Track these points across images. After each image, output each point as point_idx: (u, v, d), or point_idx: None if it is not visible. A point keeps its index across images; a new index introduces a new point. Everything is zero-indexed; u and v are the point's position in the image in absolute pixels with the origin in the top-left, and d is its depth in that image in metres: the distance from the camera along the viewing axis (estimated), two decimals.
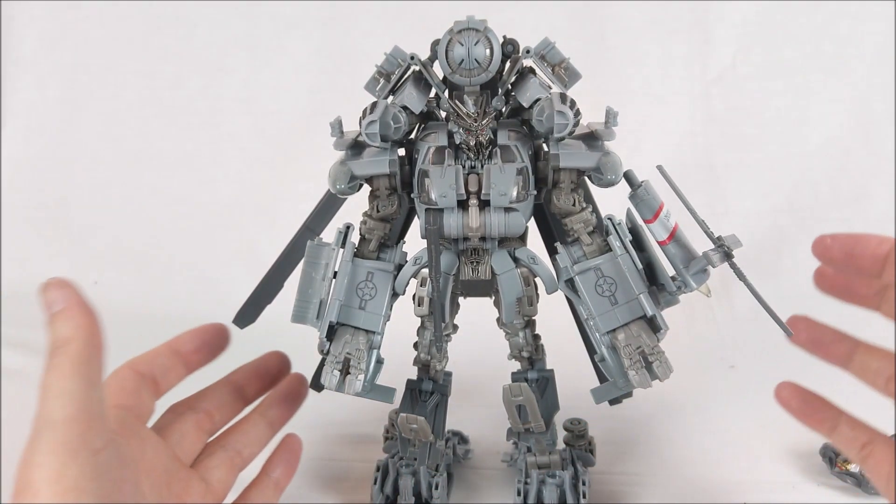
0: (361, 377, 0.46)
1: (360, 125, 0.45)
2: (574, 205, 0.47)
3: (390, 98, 0.46)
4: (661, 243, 0.47)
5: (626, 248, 0.46)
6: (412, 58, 0.46)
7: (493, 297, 0.53)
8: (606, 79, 1.11)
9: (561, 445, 0.59)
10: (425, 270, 0.47)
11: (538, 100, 0.46)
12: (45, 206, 1.22)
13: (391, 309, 0.49)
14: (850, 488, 0.64)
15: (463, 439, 0.67)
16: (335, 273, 0.48)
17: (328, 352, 0.47)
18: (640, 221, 0.48)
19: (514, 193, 0.44)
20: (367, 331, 0.47)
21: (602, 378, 0.53)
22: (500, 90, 0.46)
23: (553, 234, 0.53)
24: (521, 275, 0.48)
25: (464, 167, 0.45)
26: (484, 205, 0.45)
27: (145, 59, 1.23)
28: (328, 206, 0.52)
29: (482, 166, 0.45)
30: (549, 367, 0.57)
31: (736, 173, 1.15)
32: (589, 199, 0.51)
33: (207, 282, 1.05)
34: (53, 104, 1.25)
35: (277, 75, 1.19)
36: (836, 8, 1.14)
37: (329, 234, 0.51)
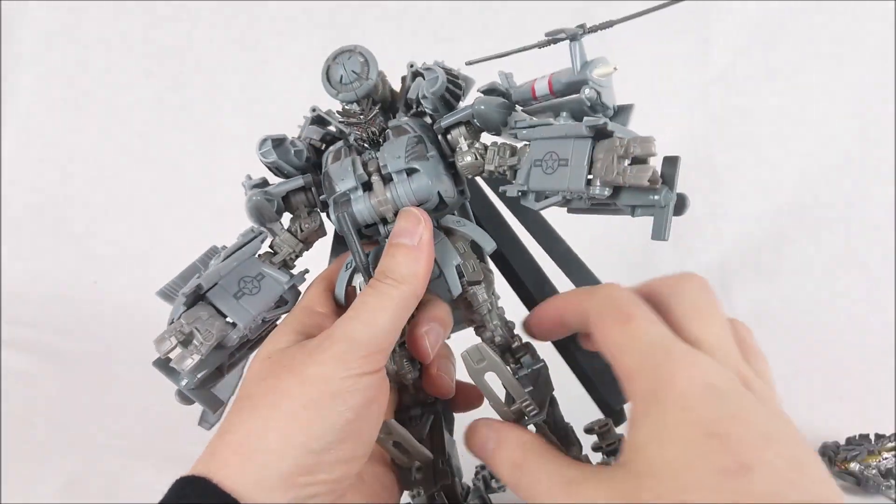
0: (196, 357, 0.41)
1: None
2: (476, 158, 0.46)
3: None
4: (552, 94, 0.44)
5: (531, 123, 0.44)
6: (313, 109, 0.49)
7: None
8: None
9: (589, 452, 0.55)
10: (359, 276, 0.45)
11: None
12: (45, 206, 1.22)
13: (262, 320, 0.45)
14: (850, 487, 0.64)
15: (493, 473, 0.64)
16: (226, 256, 0.45)
17: (176, 319, 0.43)
18: (533, 107, 0.46)
19: (405, 155, 0.44)
20: (227, 322, 0.43)
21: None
22: (398, 105, 0.48)
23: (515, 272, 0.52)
24: (452, 242, 0.46)
25: (363, 160, 0.46)
26: (388, 181, 0.45)
27: (145, 59, 1.23)
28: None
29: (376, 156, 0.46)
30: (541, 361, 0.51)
31: (736, 173, 1.15)
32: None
33: None
34: (53, 104, 1.26)
35: (277, 75, 1.19)
36: (836, 8, 1.14)
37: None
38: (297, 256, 0.48)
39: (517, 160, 0.44)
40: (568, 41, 0.44)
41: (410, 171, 0.45)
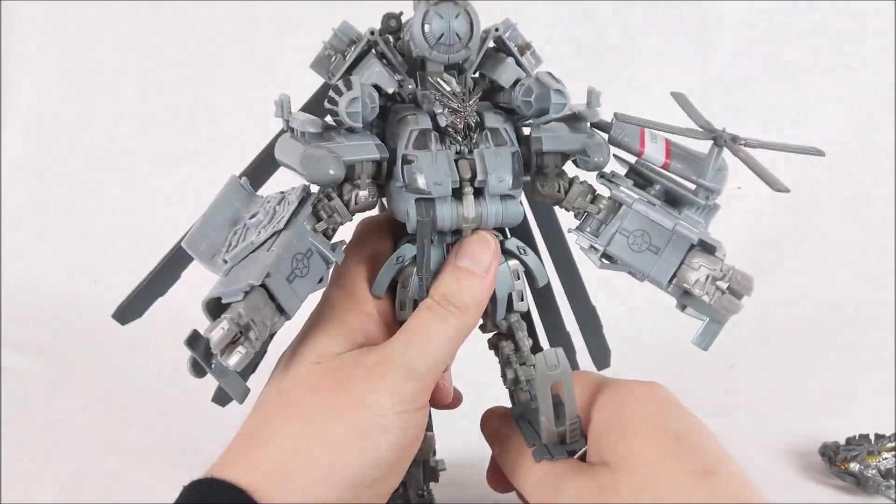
0: (251, 352, 0.35)
1: (336, 104, 0.39)
2: (559, 191, 0.43)
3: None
4: (664, 167, 0.43)
5: (634, 191, 0.42)
6: (372, 33, 0.42)
7: None
8: (606, 79, 1.11)
9: None
10: (408, 269, 0.42)
11: (518, 80, 0.42)
12: (45, 206, 1.22)
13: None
14: (850, 488, 0.64)
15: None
16: (278, 230, 0.38)
17: (235, 305, 0.36)
18: (632, 160, 0.45)
19: (511, 179, 0.40)
20: (277, 309, 0.37)
21: (595, 360, 0.53)
22: (467, 71, 0.43)
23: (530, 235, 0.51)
24: (510, 267, 0.44)
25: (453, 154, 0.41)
26: (476, 193, 0.41)
27: (145, 59, 1.23)
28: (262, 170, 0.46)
29: (469, 152, 0.41)
30: None
31: (736, 173, 1.15)
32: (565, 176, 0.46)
33: (207, 282, 1.05)
34: (53, 104, 1.25)
35: (278, 75, 1.19)
36: (836, 8, 1.14)
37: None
38: (339, 226, 0.42)
39: (597, 210, 0.43)
40: (712, 144, 0.44)
41: (506, 196, 0.41)
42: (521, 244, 0.45)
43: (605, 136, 0.44)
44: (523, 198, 0.47)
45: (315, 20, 1.18)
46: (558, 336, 0.55)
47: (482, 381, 0.56)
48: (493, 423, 0.46)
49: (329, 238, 0.41)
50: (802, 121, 1.16)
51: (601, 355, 0.57)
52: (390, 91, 0.42)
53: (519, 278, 0.44)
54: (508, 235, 0.46)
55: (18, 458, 0.71)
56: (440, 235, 0.42)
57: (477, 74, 0.45)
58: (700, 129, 0.43)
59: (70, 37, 1.24)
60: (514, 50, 0.44)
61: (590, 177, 0.45)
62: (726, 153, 0.44)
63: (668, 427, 0.36)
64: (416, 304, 0.42)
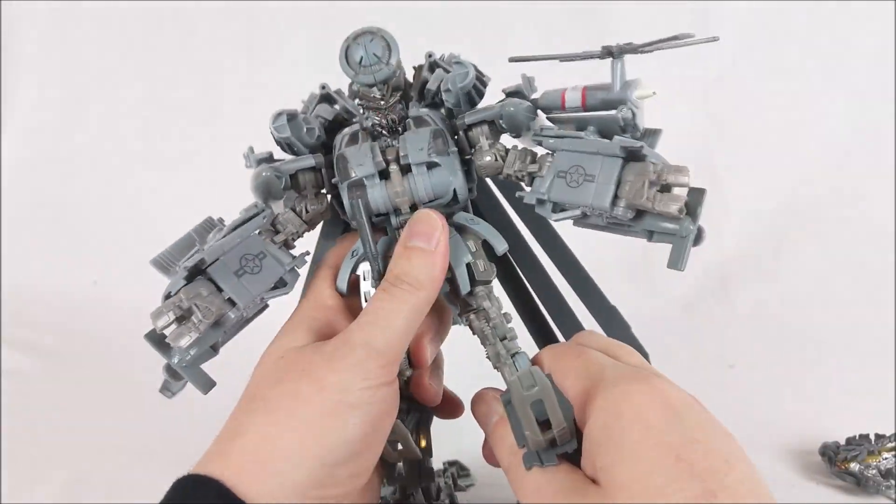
0: (194, 335, 0.40)
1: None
2: (496, 159, 0.45)
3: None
4: (583, 107, 0.44)
5: (560, 134, 0.44)
6: (323, 87, 0.48)
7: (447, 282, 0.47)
8: (605, 78, 1.11)
9: None
10: (365, 265, 0.45)
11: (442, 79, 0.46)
12: (45, 206, 1.22)
13: (262, 301, 0.43)
14: (850, 487, 0.64)
15: (462, 468, 0.64)
16: (230, 231, 0.44)
17: (175, 293, 0.41)
18: (559, 116, 0.46)
19: (428, 147, 0.44)
20: (226, 300, 0.41)
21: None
22: (412, 94, 0.48)
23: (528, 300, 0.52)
24: (465, 240, 0.45)
25: (381, 146, 0.46)
26: (406, 172, 0.44)
27: (145, 59, 1.23)
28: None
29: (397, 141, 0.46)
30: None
31: (736, 173, 1.15)
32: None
33: None
34: (53, 104, 1.26)
35: (277, 75, 1.19)
36: (836, 8, 1.15)
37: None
38: (298, 237, 0.47)
39: (538, 167, 0.44)
40: (610, 58, 0.44)
41: (431, 165, 0.44)
42: (470, 216, 0.46)
43: (528, 103, 0.46)
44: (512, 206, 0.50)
45: (316, 20, 1.18)
46: (605, 313, 0.53)
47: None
48: (483, 408, 0.45)
49: (290, 248, 0.46)
50: (802, 121, 1.16)
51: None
52: (329, 117, 0.48)
53: (476, 249, 0.45)
54: (469, 212, 0.47)
55: (18, 459, 0.71)
56: (392, 225, 0.45)
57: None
58: (595, 51, 0.44)
59: (70, 37, 1.24)
60: (448, 67, 0.47)
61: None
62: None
63: (667, 445, 0.34)
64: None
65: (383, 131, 0.46)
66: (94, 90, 1.24)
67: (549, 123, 0.46)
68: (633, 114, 0.43)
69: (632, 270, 0.97)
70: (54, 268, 1.16)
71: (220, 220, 0.47)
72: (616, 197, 0.40)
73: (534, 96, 0.47)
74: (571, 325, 0.52)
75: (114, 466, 0.70)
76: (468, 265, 0.45)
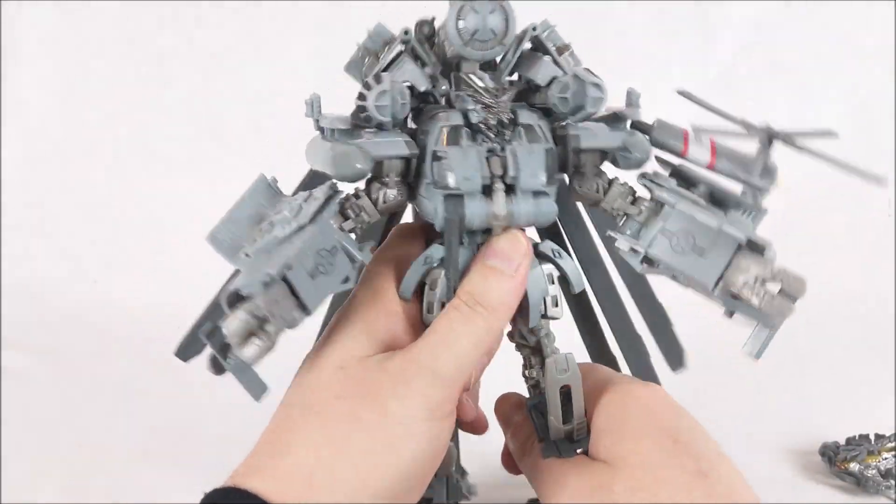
0: (267, 345, 0.35)
1: (365, 100, 0.39)
2: (598, 191, 0.42)
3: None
4: (709, 167, 0.42)
5: (677, 192, 0.40)
6: (406, 33, 0.42)
7: None
8: (606, 79, 1.11)
9: None
10: (435, 271, 0.41)
11: (555, 78, 0.41)
12: (45, 206, 1.22)
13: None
14: (849, 487, 0.64)
15: (462, 472, 0.62)
16: (302, 224, 0.38)
17: (249, 296, 0.35)
18: (676, 161, 0.43)
19: (544, 175, 0.39)
20: (298, 304, 0.36)
21: (631, 366, 0.50)
22: (503, 69, 0.42)
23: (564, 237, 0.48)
24: (544, 271, 0.42)
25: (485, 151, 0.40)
26: (508, 191, 0.39)
27: (145, 58, 1.23)
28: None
29: (501, 149, 0.40)
30: None
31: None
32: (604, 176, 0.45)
33: (208, 282, 1.05)
34: (53, 104, 1.25)
35: (277, 75, 1.19)
36: (836, 8, 1.15)
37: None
38: (363, 229, 0.41)
39: (638, 212, 0.41)
40: (762, 141, 0.42)
41: (538, 192, 0.39)
42: (556, 247, 0.43)
43: (646, 137, 0.43)
44: None
45: (315, 21, 1.18)
46: (629, 339, 0.52)
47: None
48: (507, 409, 0.46)
49: (357, 237, 0.41)
50: (802, 121, 1.16)
51: (675, 356, 0.53)
52: (422, 89, 0.41)
53: (553, 283, 0.43)
54: (541, 238, 0.45)
55: (18, 458, 0.71)
56: (470, 235, 0.41)
57: (515, 76, 0.44)
58: (752, 126, 0.41)
59: (70, 36, 1.24)
60: (552, 49, 0.43)
61: (630, 180, 0.44)
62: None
63: (666, 428, 0.37)
64: (444, 306, 0.41)
65: (490, 132, 0.40)
66: (94, 90, 1.24)
67: (661, 169, 0.43)
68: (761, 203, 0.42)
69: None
70: (54, 268, 1.16)
71: (274, 180, 0.42)
72: (720, 278, 0.39)
73: (638, 116, 0.43)
74: (637, 352, 0.52)
75: (114, 466, 0.70)
76: (544, 299, 0.42)
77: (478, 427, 0.50)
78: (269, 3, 1.19)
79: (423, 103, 0.43)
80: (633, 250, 0.40)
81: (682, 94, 0.42)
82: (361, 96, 0.39)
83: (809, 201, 1.14)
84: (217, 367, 0.38)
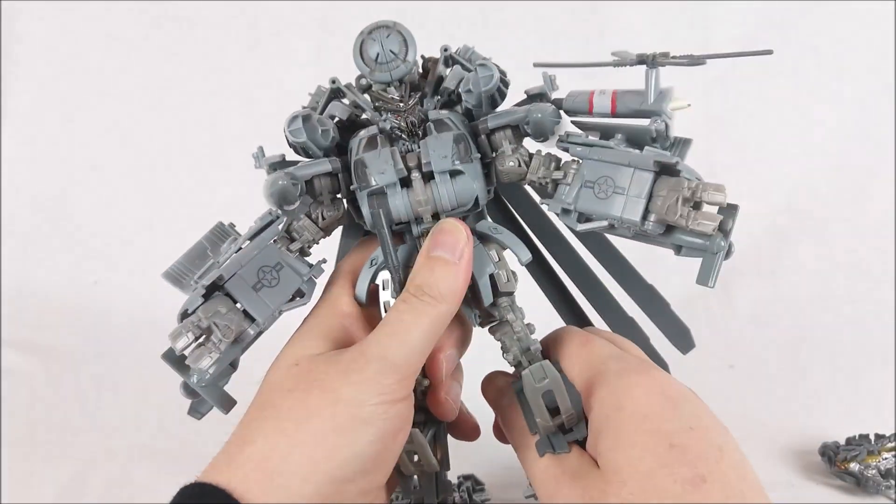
0: (215, 355, 0.38)
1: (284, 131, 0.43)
2: (520, 165, 0.44)
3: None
4: (612, 114, 0.43)
5: (588, 143, 0.42)
6: (333, 81, 0.46)
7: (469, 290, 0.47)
8: (605, 78, 1.11)
9: None
10: (384, 273, 0.43)
11: (463, 79, 0.45)
12: (45, 206, 1.22)
13: (279, 314, 0.43)
14: (849, 487, 0.64)
15: (477, 483, 0.64)
16: (240, 247, 0.42)
17: (192, 311, 0.40)
18: (585, 121, 0.45)
19: (451, 154, 0.42)
20: (246, 317, 0.41)
21: (676, 343, 0.50)
22: (407, 82, 0.46)
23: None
24: (487, 249, 0.44)
25: (400, 151, 0.44)
26: (428, 179, 0.43)
27: (145, 59, 1.23)
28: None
29: (417, 146, 0.44)
30: None
31: (736, 173, 1.15)
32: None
33: None
34: (53, 104, 1.25)
35: (277, 75, 1.19)
36: (836, 8, 1.14)
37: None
38: (314, 244, 0.45)
39: (562, 174, 0.43)
40: (645, 67, 0.42)
41: (454, 173, 0.42)
42: (492, 224, 0.45)
43: (553, 107, 0.44)
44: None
45: (318, 20, 1.18)
46: (622, 323, 0.52)
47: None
48: (494, 394, 0.47)
49: (306, 255, 0.45)
50: (802, 121, 1.16)
51: (680, 336, 0.52)
52: (343, 116, 0.46)
53: (500, 259, 0.44)
54: (486, 218, 0.46)
55: (18, 458, 0.71)
56: (410, 232, 0.44)
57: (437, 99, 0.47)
58: (628, 59, 0.42)
59: (70, 37, 1.24)
60: (466, 63, 0.46)
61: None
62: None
63: (662, 433, 0.35)
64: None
65: (402, 135, 0.44)
66: (94, 90, 1.24)
67: (574, 129, 0.44)
68: (667, 126, 0.42)
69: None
70: (54, 268, 1.16)
71: (231, 226, 0.46)
72: (647, 211, 0.39)
73: (555, 95, 0.45)
74: (613, 311, 0.52)
75: (114, 466, 0.70)
76: (491, 276, 0.43)
77: (468, 433, 0.50)
78: (269, 3, 1.19)
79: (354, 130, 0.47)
80: (565, 210, 0.42)
81: (537, 65, 0.44)
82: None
83: (809, 202, 1.14)
84: (189, 392, 0.42)
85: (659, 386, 0.38)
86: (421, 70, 0.47)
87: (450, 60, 0.46)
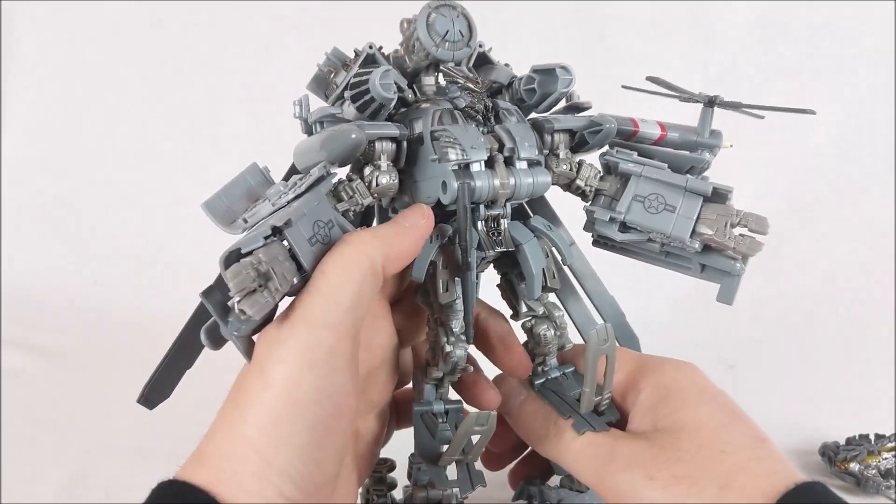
0: (270, 302, 0.34)
1: (364, 85, 0.41)
2: (571, 170, 0.46)
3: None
4: (660, 140, 0.48)
5: (640, 161, 0.45)
6: (371, 46, 0.45)
7: (503, 281, 0.48)
8: (606, 79, 1.11)
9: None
10: (447, 248, 0.43)
11: (514, 77, 0.46)
12: (45, 206, 1.22)
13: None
14: (849, 487, 0.64)
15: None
16: (299, 193, 0.39)
17: (249, 253, 0.35)
18: (619, 142, 0.48)
19: (538, 146, 0.43)
20: (297, 267, 0.37)
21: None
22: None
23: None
24: (541, 245, 0.44)
25: None
26: (506, 164, 0.42)
27: (145, 59, 1.23)
28: None
29: (489, 131, 0.43)
30: None
31: (736, 173, 1.15)
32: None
33: (207, 282, 1.05)
34: (53, 104, 1.26)
35: (277, 75, 1.19)
36: (836, 8, 1.14)
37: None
38: (360, 210, 0.43)
39: (607, 186, 0.46)
40: (702, 105, 0.48)
41: (534, 163, 0.42)
42: (546, 222, 0.45)
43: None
44: None
45: (318, 20, 1.18)
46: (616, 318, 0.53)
47: None
48: (505, 389, 0.47)
49: (349, 220, 0.42)
50: (802, 121, 1.16)
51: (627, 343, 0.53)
52: (403, 84, 0.43)
53: (548, 256, 0.45)
54: (532, 214, 0.47)
55: (18, 458, 0.71)
56: (471, 213, 0.42)
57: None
58: (695, 94, 0.47)
59: (70, 37, 1.24)
60: (498, 62, 0.47)
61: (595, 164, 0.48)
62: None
63: (723, 401, 0.40)
64: (454, 281, 0.43)
65: (478, 115, 0.43)
66: (94, 90, 1.24)
67: (622, 149, 0.47)
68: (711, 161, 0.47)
69: (631, 270, 0.97)
70: (54, 268, 1.16)
71: (266, 169, 0.43)
72: (695, 231, 0.43)
73: (590, 107, 0.48)
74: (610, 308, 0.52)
75: (114, 466, 0.70)
76: (542, 270, 0.44)
77: (521, 370, 0.47)
78: (270, 3, 1.19)
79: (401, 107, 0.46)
80: (612, 219, 0.45)
81: (625, 87, 0.49)
82: (357, 85, 0.41)
83: (809, 203, 1.14)
84: (214, 341, 0.37)
85: (700, 376, 0.42)
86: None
87: (484, 59, 0.47)
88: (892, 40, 1.14)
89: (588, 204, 0.47)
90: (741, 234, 0.42)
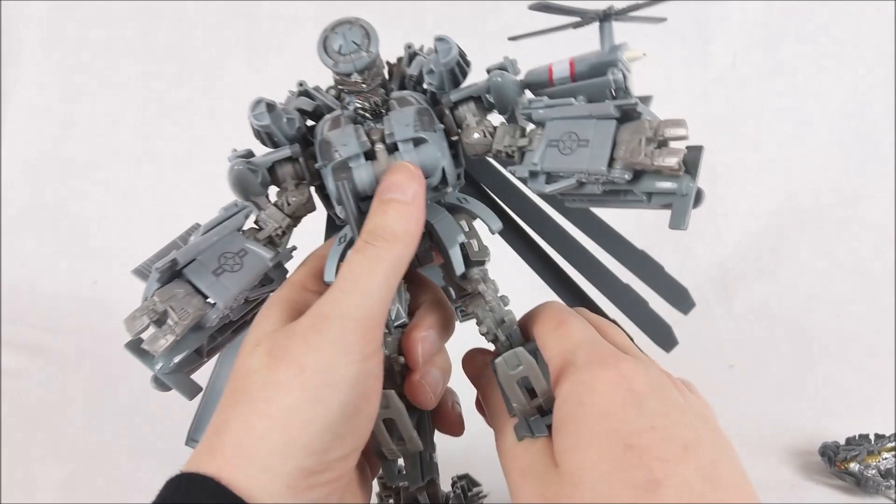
0: (170, 338, 0.38)
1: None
2: (485, 136, 0.44)
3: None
4: (572, 78, 0.44)
5: (549, 104, 0.43)
6: (300, 84, 0.48)
7: (442, 268, 0.48)
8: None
9: None
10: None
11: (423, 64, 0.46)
12: (45, 206, 1.22)
13: (245, 299, 0.43)
14: (849, 487, 0.64)
15: (473, 482, 0.62)
16: (207, 230, 0.42)
17: (150, 296, 0.39)
18: (545, 91, 0.46)
19: (415, 124, 0.43)
20: (206, 301, 0.40)
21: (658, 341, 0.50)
22: (392, 85, 0.47)
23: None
24: (457, 219, 0.44)
25: (364, 129, 0.44)
26: (392, 151, 0.43)
27: (145, 59, 1.23)
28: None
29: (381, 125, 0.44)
30: None
31: (736, 173, 1.15)
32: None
33: None
34: (53, 104, 1.26)
35: (277, 75, 1.19)
36: (836, 8, 1.15)
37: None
38: (283, 233, 0.45)
39: (528, 141, 0.43)
40: (598, 22, 0.44)
41: (418, 142, 0.43)
42: (461, 195, 0.45)
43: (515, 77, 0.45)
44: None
45: (316, 19, 1.18)
46: (616, 291, 0.52)
47: None
48: (473, 371, 0.46)
49: (276, 244, 0.44)
50: (802, 121, 1.16)
51: (678, 297, 0.52)
52: (309, 108, 0.47)
53: (470, 229, 0.45)
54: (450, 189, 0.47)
55: (18, 458, 0.71)
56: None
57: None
58: (585, 12, 0.43)
59: (70, 37, 1.24)
60: (428, 56, 0.47)
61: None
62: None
63: (620, 433, 0.34)
64: None
65: (367, 114, 0.45)
66: (93, 90, 1.24)
67: (535, 97, 0.45)
68: (624, 76, 0.42)
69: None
70: (54, 268, 1.16)
71: (195, 226, 0.46)
72: (612, 159, 0.38)
73: (518, 77, 0.46)
74: (606, 280, 0.51)
75: (114, 466, 0.70)
76: (462, 245, 0.44)
77: (451, 427, 0.48)
78: (270, 3, 1.19)
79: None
80: (532, 173, 0.41)
81: (512, 38, 0.46)
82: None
83: (809, 202, 1.14)
84: (159, 384, 0.41)
85: (625, 380, 0.36)
86: (387, 74, 0.48)
87: (414, 56, 0.47)
88: (892, 40, 1.14)
89: (509, 166, 0.44)
90: (659, 147, 0.37)
